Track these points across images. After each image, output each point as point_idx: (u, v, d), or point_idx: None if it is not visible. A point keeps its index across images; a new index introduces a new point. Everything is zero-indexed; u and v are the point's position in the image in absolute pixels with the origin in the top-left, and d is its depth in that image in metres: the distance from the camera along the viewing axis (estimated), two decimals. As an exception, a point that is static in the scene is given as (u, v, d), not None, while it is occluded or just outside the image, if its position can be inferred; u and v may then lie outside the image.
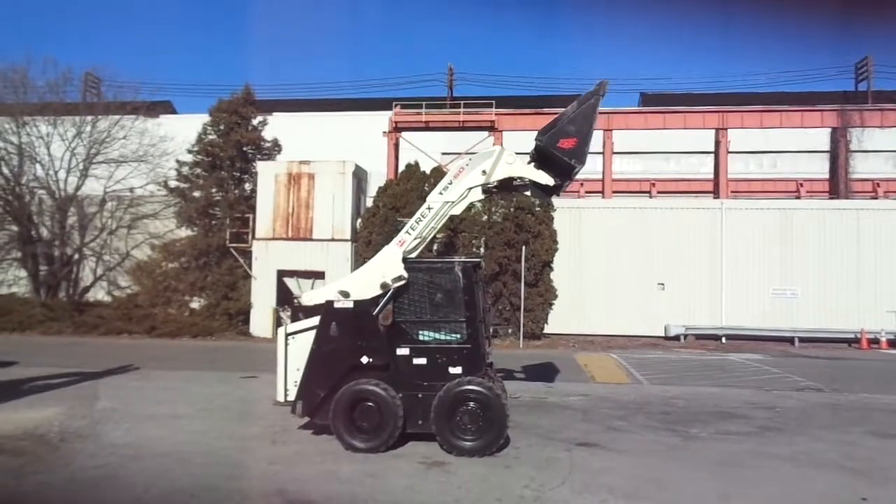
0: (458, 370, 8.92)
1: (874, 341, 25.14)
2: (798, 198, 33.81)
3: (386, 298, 9.03)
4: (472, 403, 8.72)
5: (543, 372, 16.77)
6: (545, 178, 9.70)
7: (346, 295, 9.18)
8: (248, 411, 11.62)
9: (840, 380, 16.60)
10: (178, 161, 28.67)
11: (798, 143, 37.13)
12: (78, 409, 11.29)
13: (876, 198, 32.67)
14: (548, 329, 25.93)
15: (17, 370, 15.60)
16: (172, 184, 28.79)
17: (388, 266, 9.18)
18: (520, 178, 9.91)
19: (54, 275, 29.05)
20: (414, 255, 9.52)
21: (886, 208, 28.08)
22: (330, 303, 9.23)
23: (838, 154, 35.03)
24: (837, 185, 34.75)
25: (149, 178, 29.72)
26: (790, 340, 25.85)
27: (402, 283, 9.05)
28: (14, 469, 7.96)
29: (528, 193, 10.75)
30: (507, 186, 10.23)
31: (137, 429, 10.10)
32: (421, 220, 9.52)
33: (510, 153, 9.79)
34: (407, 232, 9.47)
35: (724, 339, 26.37)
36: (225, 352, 21.71)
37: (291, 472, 7.99)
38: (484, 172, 9.60)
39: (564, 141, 9.28)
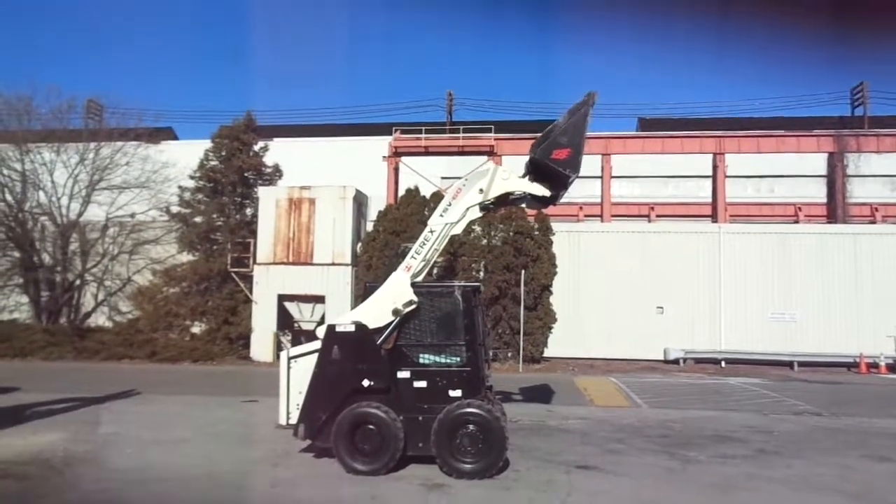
0: (457, 393, 9.03)
1: (873, 366, 25.20)
2: (796, 222, 34.02)
3: (394, 325, 9.18)
4: (471, 426, 8.82)
5: (543, 395, 16.82)
6: (541, 190, 9.95)
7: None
8: (250, 435, 11.70)
9: (838, 404, 16.66)
10: (179, 187, 28.96)
11: (795, 168, 37.40)
12: (81, 434, 11.36)
13: (874, 222, 32.88)
14: (547, 353, 25.97)
15: (20, 395, 15.65)
16: (174, 209, 29.05)
17: (398, 292, 9.34)
18: (516, 191, 10.11)
19: (56, 300, 29.18)
20: (420, 278, 9.69)
21: (884, 233, 28.31)
22: (332, 326, 9.38)
23: (835, 179, 35.37)
24: (835, 209, 35.03)
25: (151, 204, 29.97)
26: (789, 364, 25.90)
27: (413, 307, 9.21)
28: (19, 493, 8.05)
29: (524, 206, 10.98)
30: (504, 202, 10.45)
31: (140, 453, 10.17)
32: (425, 244, 9.71)
33: (503, 169, 10.11)
34: (412, 257, 9.65)
35: (723, 363, 26.41)
36: (226, 376, 21.77)
37: (293, 494, 8.08)
38: (481, 191, 9.83)
39: (558, 152, 9.52)
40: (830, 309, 26.71)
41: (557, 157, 9.49)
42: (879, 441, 12.00)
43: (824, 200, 36.50)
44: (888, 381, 23.21)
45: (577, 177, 9.68)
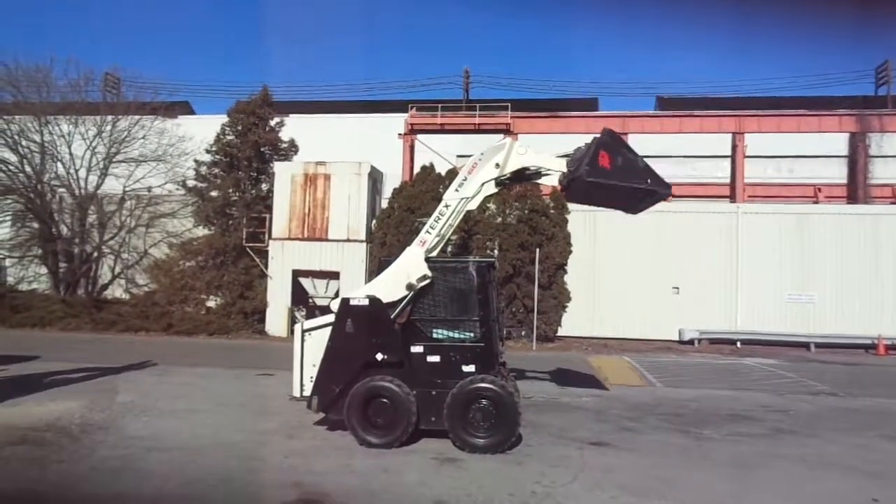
0: (471, 368, 9.03)
1: (891, 347, 24.92)
2: (816, 203, 33.53)
3: (408, 299, 9.15)
4: (484, 401, 8.81)
5: (556, 373, 16.80)
6: (558, 164, 9.84)
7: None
8: (265, 407, 11.77)
9: (855, 385, 16.51)
10: (196, 161, 28.99)
11: (816, 148, 36.77)
12: (98, 403, 11.50)
13: (895, 203, 32.33)
14: (561, 332, 25.92)
15: (39, 364, 15.89)
16: (190, 183, 29.12)
17: (412, 267, 9.30)
18: (532, 167, 10.00)
19: (74, 272, 29.48)
20: (434, 253, 9.63)
21: (904, 213, 27.82)
22: (346, 300, 9.37)
23: (857, 159, 34.79)
24: (856, 190, 34.48)
25: (167, 178, 30.09)
26: (806, 346, 25.68)
27: (427, 282, 9.17)
28: (37, 459, 8.15)
29: (540, 182, 10.91)
30: (521, 177, 10.34)
31: (156, 422, 10.29)
32: (440, 219, 9.64)
33: (520, 144, 10.02)
34: (427, 231, 9.60)
35: (738, 344, 26.23)
36: (241, 350, 21.95)
37: (307, 465, 8.13)
38: (497, 165, 9.73)
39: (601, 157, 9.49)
40: (848, 290, 26.39)
41: (602, 163, 9.43)
42: (896, 422, 11.88)
43: (844, 181, 35.94)
44: (906, 364, 22.96)
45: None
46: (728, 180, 34.97)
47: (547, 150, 10.32)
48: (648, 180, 9.72)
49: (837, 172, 36.78)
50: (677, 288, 27.32)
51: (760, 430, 10.87)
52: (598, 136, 9.82)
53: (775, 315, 26.70)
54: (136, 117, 30.28)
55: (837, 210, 29.13)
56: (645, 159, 9.92)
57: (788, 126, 33.59)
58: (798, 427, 11.13)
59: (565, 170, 9.78)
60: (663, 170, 33.50)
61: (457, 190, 9.76)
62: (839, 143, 35.96)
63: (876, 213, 27.76)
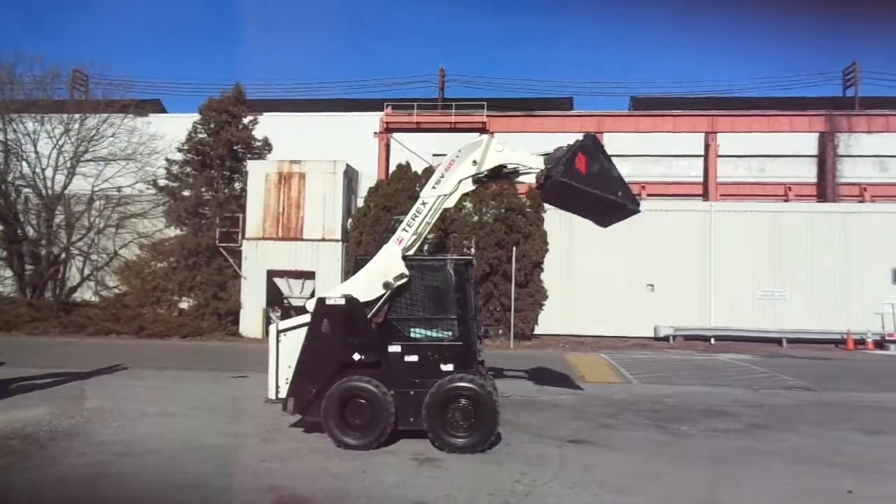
0: (449, 367, 8.93)
1: (860, 342, 25.43)
2: (786, 201, 34.05)
3: (385, 298, 9.03)
4: (463, 400, 8.72)
5: (534, 371, 16.77)
6: (536, 162, 9.80)
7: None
8: (239, 409, 11.58)
9: (827, 379, 16.75)
10: (167, 160, 28.54)
11: (786, 148, 37.35)
12: (67, 409, 11.19)
13: (862, 202, 32.95)
14: (538, 330, 25.99)
15: (4, 370, 15.40)
16: (162, 182, 28.65)
17: (389, 265, 9.18)
18: (510, 164, 9.94)
19: (41, 274, 28.82)
20: (411, 252, 9.52)
21: (874, 211, 28.43)
22: (322, 299, 9.23)
23: (826, 158, 35.39)
24: (825, 189, 35.07)
25: (137, 177, 29.53)
26: (778, 341, 26.06)
27: (405, 280, 9.06)
28: (3, 467, 7.88)
29: (519, 180, 10.86)
30: (498, 175, 10.25)
31: (127, 427, 10.03)
32: (417, 216, 9.53)
33: (498, 141, 9.91)
34: (404, 229, 9.48)
35: (712, 340, 26.53)
36: (214, 352, 21.61)
37: (283, 468, 7.97)
38: (475, 162, 9.65)
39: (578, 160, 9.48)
40: (819, 287, 26.82)
41: (579, 166, 9.40)
42: (869, 414, 12.06)
43: (814, 180, 36.54)
44: (875, 357, 23.43)
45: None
46: (701, 179, 35.35)
47: (523, 149, 10.28)
48: (619, 193, 9.70)
49: (807, 172, 37.40)
50: (652, 285, 27.53)
51: (736, 425, 10.94)
52: (581, 139, 9.81)
53: (748, 311, 27.05)
54: (105, 115, 29.67)
55: (808, 208, 29.62)
56: (619, 170, 9.90)
57: (760, 126, 34.08)
58: (773, 422, 11.22)
59: (543, 167, 9.73)
60: (638, 169, 33.83)
61: (434, 187, 9.66)
62: (809, 142, 36.56)
63: (845, 212, 28.26)
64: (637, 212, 10.02)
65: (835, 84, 44.01)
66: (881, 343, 25.48)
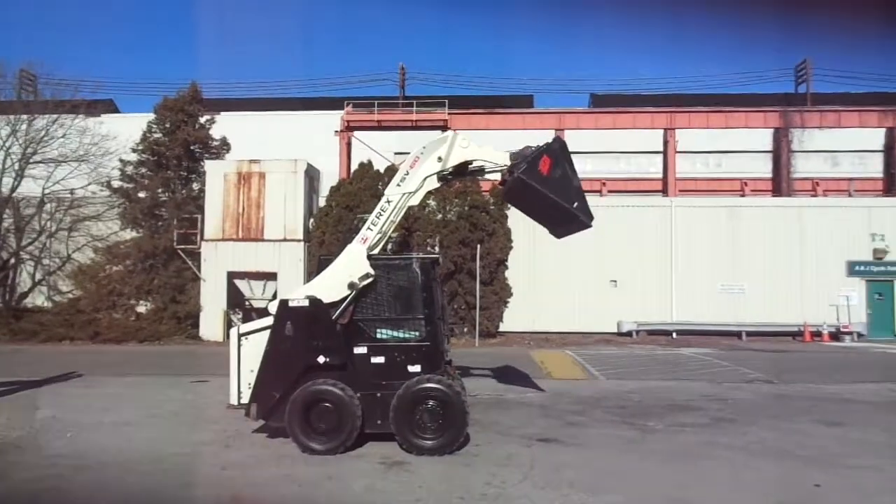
0: (417, 368, 8.78)
1: (816, 334, 26.00)
2: (742, 196, 34.68)
3: (350, 299, 8.84)
4: (431, 402, 8.58)
5: (501, 370, 16.73)
6: (501, 158, 9.70)
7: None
8: (200, 416, 11.24)
9: (787, 371, 17.05)
10: (121, 160, 27.75)
11: (742, 144, 38.03)
12: (15, 420, 10.73)
13: (815, 196, 33.76)
14: (503, 327, 26.00)
15: (-50, 380, 14.78)
16: (116, 184, 27.84)
17: (353, 265, 8.99)
18: (476, 160, 9.83)
19: (-11, 280, 27.79)
20: (376, 251, 9.35)
21: (827, 206, 29.06)
22: (284, 301, 8.99)
23: (780, 154, 36.18)
24: (780, 184, 35.84)
25: (90, 179, 28.64)
26: (737, 334, 26.50)
27: (370, 280, 8.88)
28: (-54, 483, 7.48)
29: (485, 178, 10.76)
30: (463, 172, 10.13)
31: (81, 438, 9.64)
32: (382, 215, 9.35)
33: (463, 137, 9.77)
34: (368, 228, 9.29)
35: (674, 335, 26.86)
36: (174, 356, 21.08)
37: (246, 477, 7.73)
38: (440, 159, 9.51)
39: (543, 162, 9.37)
40: (776, 280, 27.34)
41: (542, 168, 9.29)
42: (829, 406, 12.26)
43: (769, 175, 37.29)
44: (831, 349, 23.97)
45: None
46: (660, 175, 35.83)
47: (488, 145, 10.17)
48: (576, 203, 9.57)
49: (763, 167, 38.16)
50: (615, 281, 27.74)
51: (702, 419, 11.02)
52: (550, 141, 9.75)
53: (708, 305, 27.43)
54: (55, 116, 28.72)
55: (765, 203, 30.22)
56: (580, 181, 9.80)
57: (717, 122, 34.68)
58: (737, 415, 11.34)
59: (508, 163, 9.64)
60: (599, 166, 33.92)
61: (398, 185, 9.49)
62: (764, 138, 37.27)
63: (800, 206, 28.87)
64: (589, 226, 9.85)
65: (787, 81, 44.93)
66: (836, 335, 26.09)
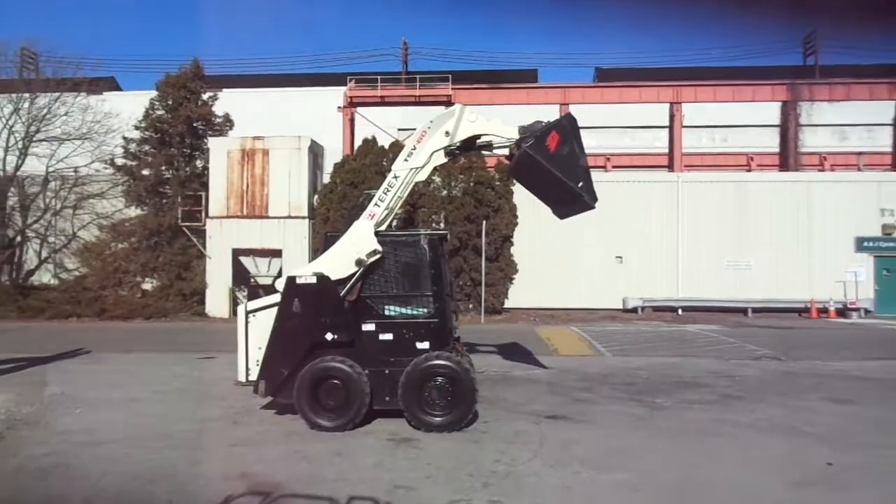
0: (425, 345, 8.74)
1: (823, 310, 25.90)
2: (749, 171, 34.39)
3: (357, 276, 8.77)
4: (440, 378, 8.56)
5: (507, 346, 16.71)
6: (510, 133, 9.54)
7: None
8: (208, 392, 11.26)
9: (794, 348, 16.99)
10: (124, 138, 27.61)
11: (749, 118, 37.61)
12: (25, 396, 10.75)
13: (822, 171, 33.45)
14: (508, 303, 25.97)
15: (-42, 357, 14.84)
16: (119, 161, 27.75)
17: (361, 241, 8.90)
18: (484, 135, 9.67)
19: (-5, 258, 27.84)
20: (383, 227, 9.25)
21: (836, 180, 28.79)
22: (292, 278, 8.93)
23: (788, 128, 35.78)
24: (787, 158, 35.49)
25: (94, 157, 28.53)
26: (744, 311, 26.42)
27: (378, 257, 8.80)
28: (-44, 460, 7.50)
29: (492, 153, 10.60)
30: (470, 146, 9.98)
31: (90, 414, 9.67)
32: (389, 191, 9.24)
33: (471, 111, 9.58)
34: (376, 204, 9.19)
35: (680, 311, 26.80)
36: (180, 333, 21.12)
37: (255, 453, 7.73)
38: (447, 133, 9.35)
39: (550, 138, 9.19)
40: (783, 256, 27.18)
41: (550, 144, 9.11)
42: (838, 383, 12.21)
43: (776, 150, 36.91)
44: (838, 325, 23.91)
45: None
46: (666, 150, 35.51)
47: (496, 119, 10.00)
48: (581, 183, 9.36)
49: (770, 141, 37.75)
50: (620, 257, 27.63)
51: (710, 396, 10.99)
52: (560, 118, 9.59)
53: (714, 282, 27.31)
54: (57, 94, 28.54)
55: (773, 178, 29.96)
56: (587, 161, 9.63)
57: (724, 96, 34.27)
58: (745, 392, 11.31)
59: (517, 137, 9.48)
60: (603, 140, 33.65)
61: (406, 160, 9.36)
62: (771, 112, 36.85)
63: (809, 181, 28.61)
64: (592, 208, 9.64)
65: (795, 53, 44.25)
66: (843, 311, 25.99)
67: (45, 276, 29.00)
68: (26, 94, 28.41)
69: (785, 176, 30.64)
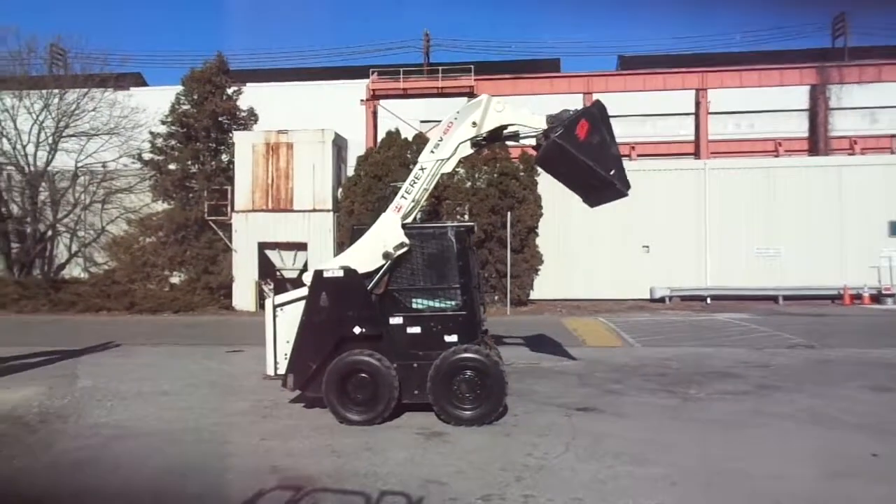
0: (453, 338, 8.63)
1: (857, 297, 25.40)
2: (777, 157, 33.74)
3: (385, 269, 8.70)
4: (469, 372, 8.45)
5: (534, 338, 16.58)
6: (538, 122, 9.35)
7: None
8: (237, 386, 11.29)
9: (828, 336, 16.67)
10: (151, 133, 27.90)
11: (776, 103, 36.89)
12: (58, 389, 10.88)
13: (853, 155, 32.70)
14: (534, 295, 25.83)
15: (-7, 351, 15.09)
16: (146, 156, 28.08)
17: (388, 234, 8.81)
18: (512, 125, 9.50)
19: (27, 252, 28.36)
20: (409, 219, 9.16)
21: (868, 164, 28.15)
22: (319, 272, 8.88)
23: (817, 112, 35.01)
24: (816, 143, 34.77)
25: (121, 151, 28.96)
26: (774, 299, 26.01)
27: (405, 250, 8.72)
28: (-9, 454, 7.58)
29: (519, 143, 10.43)
30: (497, 137, 9.81)
31: (121, 407, 9.74)
32: (416, 183, 9.13)
33: (498, 100, 9.38)
34: (402, 196, 9.08)
35: (708, 300, 26.45)
36: (208, 326, 21.31)
37: (285, 447, 7.71)
38: (474, 124, 9.19)
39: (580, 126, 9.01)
40: (814, 242, 26.66)
41: (580, 133, 8.93)
42: (876, 371, 11.92)
43: (805, 135, 36.18)
44: (872, 312, 23.42)
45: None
46: (692, 137, 34.98)
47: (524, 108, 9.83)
48: (612, 171, 9.16)
49: (798, 126, 36.99)
50: (647, 247, 27.32)
51: (745, 386, 10.77)
52: (589, 105, 9.40)
53: (743, 270, 26.91)
54: (85, 90, 28.89)
55: (802, 163, 29.34)
56: (618, 149, 9.45)
57: (750, 80, 33.61)
58: (781, 382, 11.07)
59: (545, 126, 9.31)
60: (628, 129, 33.27)
61: (432, 151, 9.23)
62: (800, 96, 36.08)
63: (839, 165, 28.01)
64: (625, 195, 9.43)
65: (824, 35, 43.29)
66: (878, 297, 25.46)
67: (75, 270, 29.48)
68: (55, 91, 28.78)
69: (814, 161, 29.99)
